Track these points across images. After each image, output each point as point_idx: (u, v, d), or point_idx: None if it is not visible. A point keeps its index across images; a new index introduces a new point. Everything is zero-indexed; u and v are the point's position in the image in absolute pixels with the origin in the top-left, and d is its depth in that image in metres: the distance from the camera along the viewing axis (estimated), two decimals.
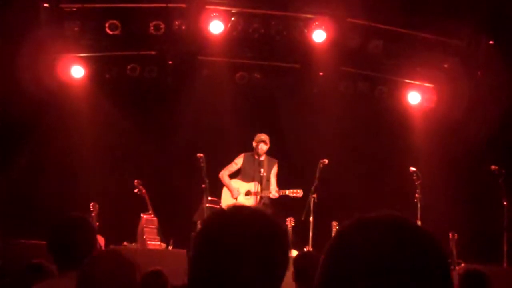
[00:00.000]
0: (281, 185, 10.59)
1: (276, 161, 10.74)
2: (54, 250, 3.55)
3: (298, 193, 10.34)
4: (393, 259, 1.34)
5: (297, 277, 5.23)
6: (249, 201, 10.26)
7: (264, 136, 10.56)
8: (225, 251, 1.82)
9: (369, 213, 1.43)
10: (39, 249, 8.30)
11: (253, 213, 1.93)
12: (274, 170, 10.69)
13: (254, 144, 10.59)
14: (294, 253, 9.11)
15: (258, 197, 10.38)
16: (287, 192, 10.40)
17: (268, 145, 10.57)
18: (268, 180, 10.55)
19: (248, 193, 10.51)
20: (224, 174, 10.67)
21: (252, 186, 10.35)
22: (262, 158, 10.54)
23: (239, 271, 1.81)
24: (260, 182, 10.29)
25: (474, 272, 5.34)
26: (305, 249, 10.06)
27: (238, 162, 10.71)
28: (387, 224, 1.40)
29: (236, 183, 10.64)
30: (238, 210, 1.97)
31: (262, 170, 10.33)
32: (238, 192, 10.54)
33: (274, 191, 10.44)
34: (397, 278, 1.32)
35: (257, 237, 1.86)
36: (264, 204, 10.44)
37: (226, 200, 10.43)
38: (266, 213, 1.97)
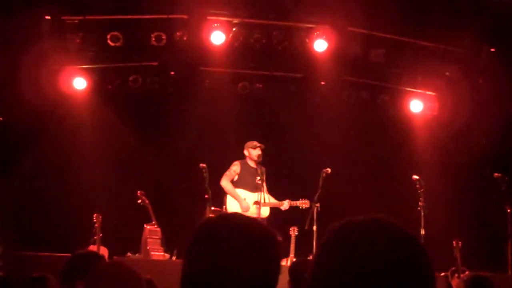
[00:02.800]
0: (285, 194, 10.56)
1: (265, 169, 10.67)
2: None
3: (306, 203, 10.30)
4: (377, 259, 1.39)
5: (293, 284, 5.22)
6: (257, 211, 10.19)
7: (258, 143, 10.54)
8: (217, 256, 1.83)
9: (357, 216, 1.50)
10: (42, 261, 8.31)
11: (244, 220, 1.94)
12: (264, 177, 10.64)
13: (248, 151, 10.54)
14: None
15: (268, 207, 10.32)
16: (297, 203, 10.36)
17: None
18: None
19: (256, 203, 10.40)
20: (228, 183, 10.53)
21: (256, 196, 10.30)
22: (255, 165, 10.48)
23: (231, 277, 1.82)
24: (262, 191, 10.23)
25: (479, 278, 5.32)
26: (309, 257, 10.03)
27: (236, 169, 10.60)
28: (373, 226, 1.46)
29: (242, 193, 10.54)
30: (229, 217, 1.98)
31: (258, 178, 10.26)
32: (248, 206, 10.43)
33: (285, 203, 10.40)
34: (380, 278, 1.38)
35: (249, 243, 1.86)
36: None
37: (234, 209, 10.31)
38: (258, 220, 2.00)
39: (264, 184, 10.50)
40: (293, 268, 5.34)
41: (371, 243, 1.41)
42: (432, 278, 1.44)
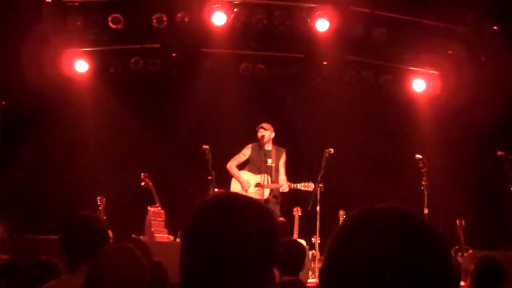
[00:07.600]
0: (288, 175, 10.55)
1: (284, 150, 10.64)
2: (66, 247, 3.68)
3: (309, 186, 10.25)
4: (395, 254, 1.35)
5: (279, 264, 5.22)
6: (258, 193, 10.21)
7: (264, 124, 10.49)
8: (215, 238, 1.83)
9: (376, 205, 1.45)
10: (47, 244, 8.34)
11: (239, 199, 1.94)
12: (283, 159, 10.59)
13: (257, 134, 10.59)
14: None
15: (268, 189, 10.31)
16: (298, 186, 10.32)
17: (271, 132, 10.45)
18: (277, 170, 10.47)
19: (258, 185, 10.42)
20: (232, 165, 10.60)
21: (259, 178, 10.31)
22: (269, 147, 10.44)
23: (231, 256, 1.82)
24: (269, 174, 10.23)
25: (489, 259, 5.28)
26: (312, 239, 10.07)
27: (246, 152, 10.63)
28: (392, 217, 1.42)
29: (245, 175, 10.59)
30: (224, 197, 1.99)
31: (270, 160, 10.25)
32: (248, 184, 10.48)
33: (285, 185, 10.36)
34: (398, 273, 1.34)
35: (246, 221, 1.86)
36: (274, 196, 10.39)
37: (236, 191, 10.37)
38: (253, 199, 1.99)
39: (280, 167, 10.49)
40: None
41: (396, 233, 1.37)
42: (452, 269, 1.41)
